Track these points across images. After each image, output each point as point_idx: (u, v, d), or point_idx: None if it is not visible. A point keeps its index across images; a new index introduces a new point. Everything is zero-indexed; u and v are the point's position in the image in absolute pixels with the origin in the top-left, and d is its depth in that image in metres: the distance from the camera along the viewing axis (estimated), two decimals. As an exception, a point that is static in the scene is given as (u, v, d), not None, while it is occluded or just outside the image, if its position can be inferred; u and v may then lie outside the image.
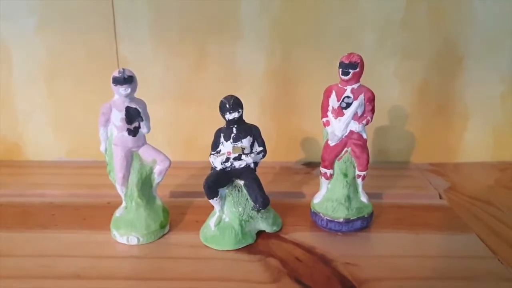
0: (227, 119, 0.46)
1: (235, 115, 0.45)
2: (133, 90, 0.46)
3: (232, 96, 0.46)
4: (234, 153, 0.46)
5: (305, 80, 0.67)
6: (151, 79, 0.67)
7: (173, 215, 0.52)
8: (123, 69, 0.45)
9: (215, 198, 0.46)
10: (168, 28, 0.65)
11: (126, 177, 0.48)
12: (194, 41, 0.65)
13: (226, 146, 0.46)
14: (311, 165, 0.69)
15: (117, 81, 0.45)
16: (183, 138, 0.70)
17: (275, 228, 0.49)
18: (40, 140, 0.70)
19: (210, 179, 0.46)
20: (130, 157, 0.48)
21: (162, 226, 0.49)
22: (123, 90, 0.45)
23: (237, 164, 0.46)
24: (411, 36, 0.65)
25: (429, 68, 0.67)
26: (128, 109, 0.46)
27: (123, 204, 0.49)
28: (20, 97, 0.68)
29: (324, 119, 0.48)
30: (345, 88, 0.46)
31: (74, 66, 0.66)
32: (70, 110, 0.68)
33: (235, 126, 0.46)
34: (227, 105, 0.45)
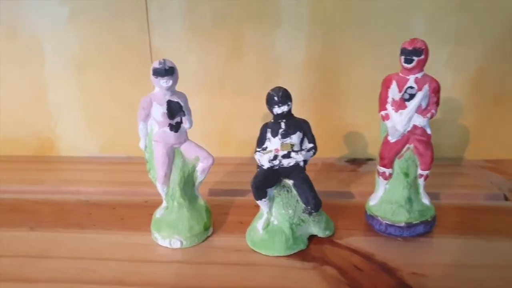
0: (275, 113, 0.42)
1: (284, 108, 0.42)
2: (175, 82, 0.43)
3: (280, 88, 0.42)
4: (283, 150, 0.43)
5: (348, 69, 0.62)
6: (184, 70, 0.62)
7: (215, 215, 0.49)
8: (164, 60, 0.42)
9: (263, 199, 0.43)
10: (202, 16, 0.61)
11: (168, 176, 0.45)
12: (230, 29, 0.62)
13: (273, 143, 0.43)
14: (355, 162, 0.65)
15: (157, 72, 0.41)
16: (217, 132, 0.67)
17: (327, 233, 0.45)
18: (72, 135, 0.68)
19: (257, 178, 0.42)
20: (172, 154, 0.44)
21: (206, 228, 0.46)
22: (164, 82, 0.42)
23: (285, 162, 0.43)
24: (467, 20, 0.60)
25: (486, 56, 0.61)
26: (169, 103, 0.43)
27: (164, 204, 0.46)
28: (53, 90, 0.66)
29: (383, 113, 0.44)
30: (408, 77, 0.42)
31: (106, 58, 0.64)
32: (102, 103, 0.66)
33: (284, 120, 0.42)
34: (275, 98, 0.41)
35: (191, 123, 0.45)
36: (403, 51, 0.41)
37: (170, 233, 0.44)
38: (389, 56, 0.61)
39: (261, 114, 0.64)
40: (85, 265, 0.42)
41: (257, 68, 0.63)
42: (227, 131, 0.67)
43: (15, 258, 0.43)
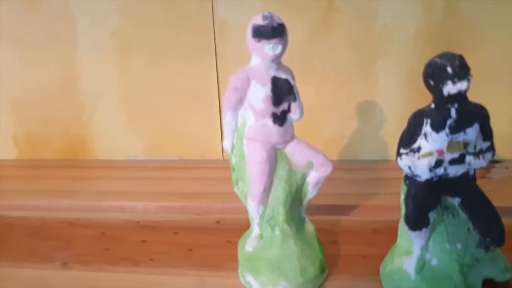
0: (446, 94, 0.28)
1: (463, 86, 0.28)
2: (284, 49, 0.29)
3: (453, 54, 0.29)
4: (450, 152, 0.28)
5: (481, 44, 0.49)
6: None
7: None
8: (270, 14, 0.29)
9: (424, 229, 0.28)
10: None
11: (267, 190, 0.31)
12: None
13: (434, 141, 0.29)
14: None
15: (261, 32, 0.28)
16: (297, 128, 0.53)
17: (508, 276, 0.31)
18: (110, 133, 0.57)
19: (417, 197, 0.29)
20: (275, 158, 0.30)
21: (322, 269, 0.32)
22: (271, 48, 0.29)
23: (452, 171, 0.29)
24: None
25: None
26: (275, 82, 0.29)
27: (256, 230, 0.32)
28: (86, 76, 0.55)
29: None
30: None
31: (154, 34, 0.53)
32: (148, 93, 0.55)
33: (456, 105, 0.28)
34: (449, 69, 0.27)
35: (302, 112, 0.31)
36: None
37: (273, 278, 0.30)
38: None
39: (355, 104, 0.53)
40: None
41: (352, 43, 0.51)
42: (310, 127, 0.53)
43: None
